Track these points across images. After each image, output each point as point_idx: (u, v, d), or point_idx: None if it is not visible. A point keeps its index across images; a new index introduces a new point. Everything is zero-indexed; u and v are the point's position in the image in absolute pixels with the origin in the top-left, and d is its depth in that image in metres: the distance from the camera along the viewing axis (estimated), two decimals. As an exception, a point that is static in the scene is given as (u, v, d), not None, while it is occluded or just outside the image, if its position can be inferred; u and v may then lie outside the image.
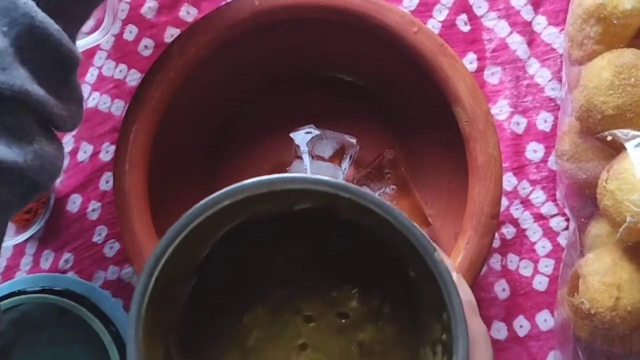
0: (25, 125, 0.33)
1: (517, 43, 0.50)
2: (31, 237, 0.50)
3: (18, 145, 0.33)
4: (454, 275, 0.27)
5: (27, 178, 0.34)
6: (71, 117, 0.36)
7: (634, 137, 0.38)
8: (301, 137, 0.46)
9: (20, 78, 0.32)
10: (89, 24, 0.51)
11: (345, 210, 0.28)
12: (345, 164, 0.47)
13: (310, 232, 0.31)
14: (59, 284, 0.49)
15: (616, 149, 0.39)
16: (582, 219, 0.44)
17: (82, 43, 0.47)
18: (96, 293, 0.49)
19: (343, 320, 0.31)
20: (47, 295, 0.46)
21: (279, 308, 0.31)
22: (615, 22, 0.39)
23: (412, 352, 0.30)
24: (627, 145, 0.38)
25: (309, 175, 0.28)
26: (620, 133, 0.38)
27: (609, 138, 0.39)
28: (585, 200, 0.43)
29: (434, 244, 0.27)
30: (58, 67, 0.35)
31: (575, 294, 0.41)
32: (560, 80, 0.49)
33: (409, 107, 0.47)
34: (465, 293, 0.28)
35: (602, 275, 0.39)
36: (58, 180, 0.51)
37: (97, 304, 0.48)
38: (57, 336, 0.49)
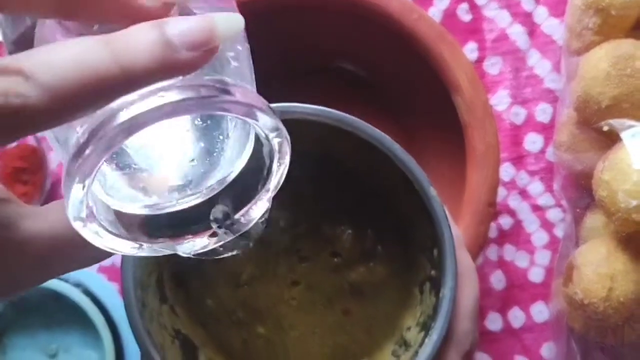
0: None
1: (517, 34, 0.50)
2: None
3: None
4: (446, 210, 0.27)
5: None
6: None
7: (630, 127, 0.38)
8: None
9: None
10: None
11: (342, 148, 0.28)
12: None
13: (304, 175, 0.31)
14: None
15: (612, 139, 0.39)
16: (579, 210, 0.44)
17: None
18: (90, 277, 0.49)
19: (336, 260, 0.32)
20: (42, 278, 0.46)
21: (274, 246, 0.31)
22: (613, 13, 0.39)
23: (400, 293, 0.31)
24: (622, 135, 0.38)
25: (311, 105, 0.28)
26: (616, 123, 0.38)
27: (605, 128, 0.39)
28: (582, 192, 0.43)
29: (429, 180, 0.27)
30: None
31: (570, 284, 0.41)
32: (560, 72, 0.49)
33: (410, 95, 0.47)
34: (454, 229, 0.29)
35: (596, 265, 0.39)
36: (54, 164, 0.51)
37: (91, 289, 0.48)
38: (53, 320, 0.49)
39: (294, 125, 0.26)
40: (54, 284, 0.46)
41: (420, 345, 0.28)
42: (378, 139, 0.27)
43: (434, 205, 0.27)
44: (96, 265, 0.50)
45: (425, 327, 0.29)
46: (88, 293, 0.47)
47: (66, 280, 0.46)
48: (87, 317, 0.46)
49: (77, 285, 0.47)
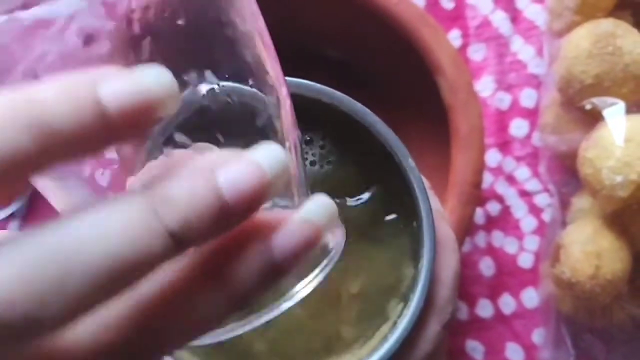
0: None
1: (500, 20, 0.50)
2: (13, 215, 0.50)
3: None
4: (426, 183, 0.28)
5: None
6: None
7: (612, 104, 0.38)
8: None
9: None
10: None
11: (321, 114, 0.29)
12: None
13: None
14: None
15: (596, 118, 0.39)
16: (565, 193, 0.44)
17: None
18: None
19: None
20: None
21: None
22: (593, -9, 0.40)
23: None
24: (605, 113, 0.38)
25: (291, 78, 0.29)
26: (598, 101, 0.38)
27: (588, 107, 0.39)
28: (567, 173, 0.43)
29: (408, 152, 0.28)
30: None
31: (557, 264, 0.41)
32: (543, 57, 0.50)
33: (393, 81, 0.47)
34: (434, 202, 0.29)
35: (582, 244, 0.39)
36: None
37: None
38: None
39: None
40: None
41: (399, 316, 0.28)
42: (357, 111, 0.28)
43: (411, 176, 0.28)
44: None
45: (404, 299, 0.29)
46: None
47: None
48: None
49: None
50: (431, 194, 0.30)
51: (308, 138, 0.30)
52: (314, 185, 0.30)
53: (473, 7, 0.50)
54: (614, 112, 0.38)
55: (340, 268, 0.31)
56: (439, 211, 0.30)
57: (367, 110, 0.28)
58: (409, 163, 0.28)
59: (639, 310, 0.40)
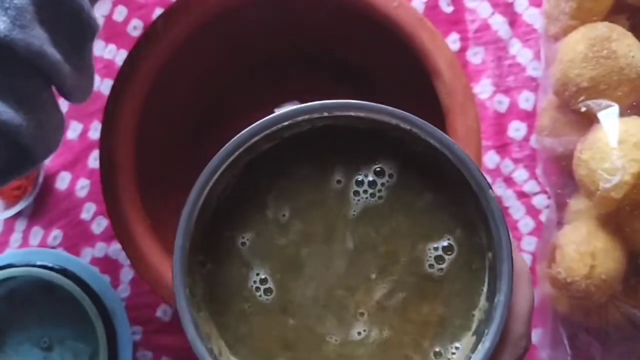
0: (35, 91, 0.31)
1: (499, 24, 0.51)
2: (20, 214, 0.51)
3: (24, 110, 0.31)
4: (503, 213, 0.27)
5: (26, 146, 0.32)
6: (81, 88, 0.35)
7: (607, 107, 0.38)
8: (285, 112, 0.46)
9: (39, 38, 0.30)
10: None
11: (398, 135, 0.29)
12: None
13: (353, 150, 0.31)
14: (47, 259, 0.49)
15: (591, 120, 0.40)
16: (561, 194, 0.44)
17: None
18: (84, 269, 0.49)
19: None
20: (35, 269, 0.47)
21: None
22: (588, -4, 0.40)
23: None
24: (600, 115, 0.38)
25: (369, 103, 0.28)
26: (593, 104, 0.39)
27: (583, 109, 0.40)
28: (564, 175, 0.44)
29: (488, 180, 0.27)
30: (76, 33, 0.33)
31: (553, 264, 0.42)
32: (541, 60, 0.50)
33: (392, 83, 0.48)
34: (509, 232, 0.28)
35: (577, 244, 0.40)
36: (47, 158, 0.52)
37: (84, 280, 0.49)
38: (47, 313, 0.49)
39: (357, 119, 0.28)
40: (47, 274, 0.46)
41: (472, 350, 0.28)
42: (438, 138, 0.27)
43: (493, 208, 0.27)
44: (89, 257, 0.51)
45: (478, 332, 0.28)
46: (81, 284, 0.47)
47: (59, 271, 0.47)
48: (80, 308, 0.47)
49: (70, 276, 0.47)
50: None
51: (378, 168, 0.30)
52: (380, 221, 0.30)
53: (472, 11, 0.51)
54: (609, 115, 0.38)
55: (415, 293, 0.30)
56: (514, 242, 0.29)
57: (447, 138, 0.27)
58: (489, 194, 0.27)
59: (634, 309, 0.41)
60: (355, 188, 0.30)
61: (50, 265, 0.48)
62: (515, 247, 0.30)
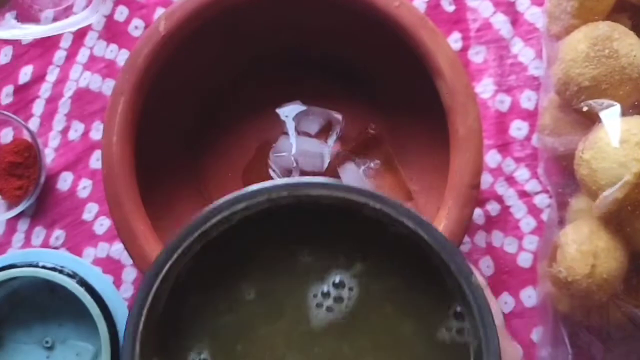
0: None
1: (501, 22, 0.51)
2: (22, 214, 0.51)
3: None
4: (488, 296, 0.26)
5: None
6: None
7: (608, 106, 0.38)
8: (287, 112, 0.46)
9: None
10: (81, 5, 0.52)
11: (371, 214, 0.27)
12: (332, 140, 0.47)
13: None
14: (50, 259, 0.49)
15: (593, 120, 0.40)
16: (563, 194, 0.44)
17: (73, 21, 0.48)
18: (86, 269, 0.49)
19: None
20: (37, 269, 0.47)
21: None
22: (590, -5, 0.40)
23: None
24: (601, 114, 0.38)
25: (336, 181, 0.27)
26: (595, 103, 0.39)
27: (585, 109, 0.40)
28: (565, 174, 0.44)
29: (470, 266, 0.26)
30: None
31: (554, 263, 0.42)
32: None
33: (393, 83, 0.48)
34: (496, 314, 0.26)
35: (579, 244, 0.40)
36: (49, 159, 0.52)
37: (87, 280, 0.49)
38: (49, 312, 0.49)
39: (322, 198, 0.26)
40: (49, 275, 0.46)
41: None
42: (412, 217, 0.26)
43: (478, 298, 0.25)
44: (92, 257, 0.51)
45: None
46: (84, 284, 0.47)
47: (61, 271, 0.47)
48: (83, 307, 0.47)
49: (73, 276, 0.47)
50: (491, 299, 0.28)
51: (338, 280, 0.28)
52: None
53: (474, 10, 0.51)
54: (611, 114, 0.38)
55: None
56: (501, 325, 0.28)
57: (423, 219, 0.26)
58: (473, 281, 0.26)
59: (635, 309, 0.41)
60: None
61: (52, 265, 0.48)
62: (505, 333, 0.28)
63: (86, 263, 0.50)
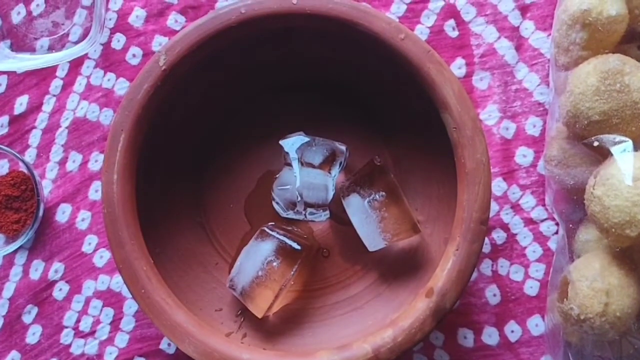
0: None
1: (505, 48, 0.50)
2: (20, 247, 0.50)
3: None
4: None
5: None
6: None
7: (620, 142, 0.38)
8: (290, 144, 0.45)
9: None
10: (77, 32, 0.51)
11: None
12: (335, 170, 0.46)
13: None
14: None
15: (603, 154, 0.39)
16: (571, 224, 0.44)
17: (70, 52, 0.47)
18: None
19: None
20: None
21: None
22: (600, 28, 0.39)
23: None
24: (613, 150, 0.38)
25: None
26: (606, 138, 0.38)
27: (596, 144, 0.39)
28: (574, 206, 0.43)
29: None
30: None
31: (565, 300, 0.41)
32: (548, 85, 0.49)
33: (398, 114, 0.47)
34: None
35: (591, 280, 0.39)
36: (47, 190, 0.51)
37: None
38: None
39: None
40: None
41: None
42: None
43: None
44: (92, 290, 0.50)
45: None
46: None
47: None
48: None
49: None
50: None
51: None
52: None
53: (478, 36, 0.50)
54: (623, 150, 0.38)
55: None
56: None
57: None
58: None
59: (647, 344, 0.40)
60: None
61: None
62: None
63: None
